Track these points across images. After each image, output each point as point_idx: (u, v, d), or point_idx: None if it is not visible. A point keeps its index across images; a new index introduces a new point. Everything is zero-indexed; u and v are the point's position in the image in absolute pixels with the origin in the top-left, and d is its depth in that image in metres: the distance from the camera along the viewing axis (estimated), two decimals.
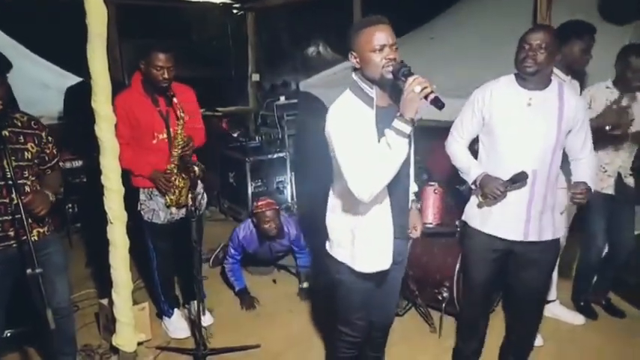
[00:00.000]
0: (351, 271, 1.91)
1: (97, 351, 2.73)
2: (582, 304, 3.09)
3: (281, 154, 4.76)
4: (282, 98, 4.89)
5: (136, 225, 2.74)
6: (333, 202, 1.95)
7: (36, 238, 2.05)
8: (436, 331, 2.87)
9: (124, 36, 4.85)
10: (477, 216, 2.25)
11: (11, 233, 2.02)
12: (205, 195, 2.96)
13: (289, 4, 5.85)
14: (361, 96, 1.75)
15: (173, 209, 2.75)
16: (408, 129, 1.62)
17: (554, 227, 2.18)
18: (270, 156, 4.71)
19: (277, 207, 3.28)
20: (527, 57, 2.00)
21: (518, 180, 2.04)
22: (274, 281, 3.65)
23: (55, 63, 5.36)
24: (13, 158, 1.89)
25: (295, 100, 4.94)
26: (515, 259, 2.23)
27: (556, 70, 2.59)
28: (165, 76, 2.52)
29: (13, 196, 1.93)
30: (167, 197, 2.70)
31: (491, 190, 2.07)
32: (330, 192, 1.98)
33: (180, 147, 2.62)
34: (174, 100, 2.56)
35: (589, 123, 2.17)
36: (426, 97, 1.59)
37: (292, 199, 4.79)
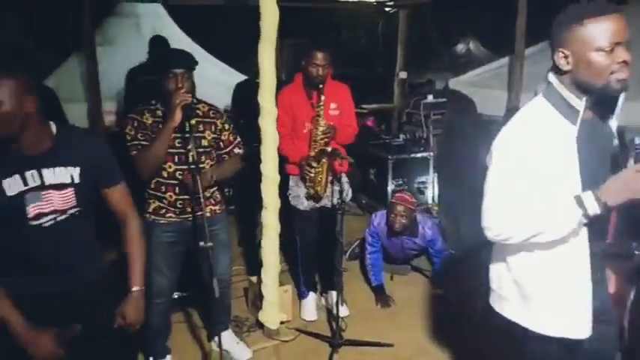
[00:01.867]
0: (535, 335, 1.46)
1: (245, 323, 2.99)
2: None
3: (424, 154, 4.67)
4: (430, 97, 4.78)
5: (285, 211, 2.94)
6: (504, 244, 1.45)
7: (208, 214, 2.31)
8: None
9: (282, 36, 5.20)
10: None
11: (189, 209, 2.32)
12: (350, 190, 3.05)
13: (443, 1, 5.67)
14: (561, 107, 1.37)
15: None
16: (595, 211, 1.29)
17: None
18: (413, 155, 4.64)
19: (412, 206, 3.23)
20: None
21: None
22: (391, 278, 3.57)
23: (224, 61, 6.03)
24: (195, 145, 2.15)
25: (444, 99, 4.79)
26: None
27: None
28: (320, 72, 2.71)
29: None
30: (308, 186, 2.84)
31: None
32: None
33: (319, 131, 2.73)
34: (320, 86, 2.70)
35: None
36: None
37: (433, 200, 4.67)
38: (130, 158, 2.15)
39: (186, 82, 2.17)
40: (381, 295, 3.30)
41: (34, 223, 1.54)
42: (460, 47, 9.01)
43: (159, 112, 2.24)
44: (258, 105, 2.55)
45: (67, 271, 1.62)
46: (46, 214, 1.55)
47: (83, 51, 4.65)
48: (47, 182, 1.54)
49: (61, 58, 5.68)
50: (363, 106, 5.39)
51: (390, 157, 4.55)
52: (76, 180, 1.59)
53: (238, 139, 2.45)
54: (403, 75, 5.83)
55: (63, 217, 1.58)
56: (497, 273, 1.57)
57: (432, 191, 4.70)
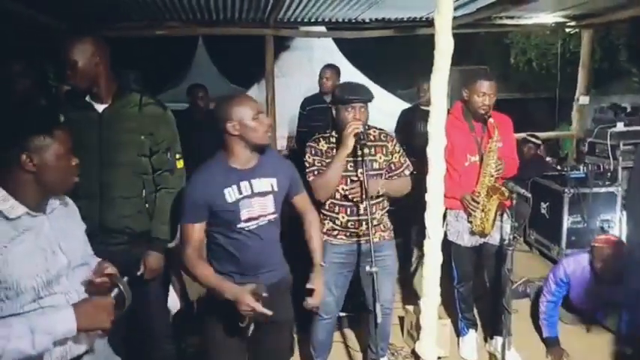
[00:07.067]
0: None
1: (400, 352, 2.95)
2: None
3: (610, 189, 4.09)
4: (620, 124, 4.20)
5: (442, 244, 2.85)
6: None
7: (377, 240, 2.37)
8: None
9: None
10: None
11: (360, 232, 2.40)
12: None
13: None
14: None
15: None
16: None
17: None
18: (595, 189, 4.10)
19: (621, 248, 2.81)
20: None
21: None
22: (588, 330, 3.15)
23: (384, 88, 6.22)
24: (366, 169, 2.24)
25: (638, 127, 4.16)
26: None
27: None
28: (487, 102, 2.63)
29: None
30: (473, 222, 2.70)
31: None
32: None
33: (491, 167, 2.62)
34: (490, 120, 2.62)
35: None
36: None
37: None
38: (308, 182, 2.32)
39: (363, 115, 2.29)
40: (555, 348, 2.94)
41: (243, 225, 1.86)
42: None
43: (332, 139, 2.39)
44: (422, 132, 2.56)
45: (266, 271, 1.92)
46: (254, 219, 1.88)
47: (264, 82, 5.23)
48: (255, 190, 1.88)
49: (246, 88, 6.49)
50: (536, 134, 4.96)
51: (566, 190, 4.09)
52: (275, 188, 1.93)
53: (408, 161, 2.49)
54: (584, 100, 5.23)
55: (264, 222, 1.90)
56: None
57: (618, 231, 4.08)
